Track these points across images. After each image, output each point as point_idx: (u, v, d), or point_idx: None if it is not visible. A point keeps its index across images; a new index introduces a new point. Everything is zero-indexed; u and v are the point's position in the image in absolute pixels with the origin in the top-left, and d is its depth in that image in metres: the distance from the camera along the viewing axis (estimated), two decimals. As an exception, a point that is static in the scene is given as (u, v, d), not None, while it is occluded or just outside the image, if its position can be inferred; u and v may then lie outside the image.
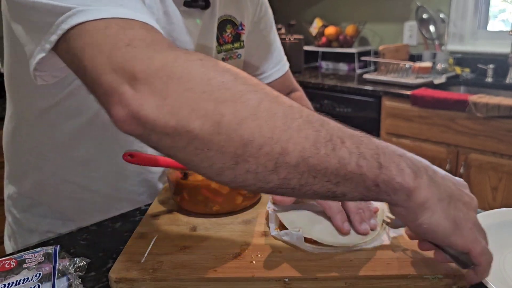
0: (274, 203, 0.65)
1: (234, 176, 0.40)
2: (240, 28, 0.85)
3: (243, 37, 0.86)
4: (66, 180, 0.78)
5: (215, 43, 0.80)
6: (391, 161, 0.43)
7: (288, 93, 0.98)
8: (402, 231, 0.60)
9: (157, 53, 0.41)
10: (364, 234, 0.59)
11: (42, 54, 0.48)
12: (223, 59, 0.83)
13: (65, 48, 0.45)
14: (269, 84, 0.90)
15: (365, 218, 0.61)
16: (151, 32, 0.45)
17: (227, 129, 0.39)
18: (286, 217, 0.63)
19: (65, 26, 0.44)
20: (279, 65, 0.95)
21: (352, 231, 0.60)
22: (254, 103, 0.40)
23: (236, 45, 0.85)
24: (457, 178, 0.49)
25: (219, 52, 0.82)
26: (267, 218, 0.66)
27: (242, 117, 0.39)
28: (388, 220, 0.61)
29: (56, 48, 0.46)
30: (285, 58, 0.98)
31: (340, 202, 0.61)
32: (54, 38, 0.45)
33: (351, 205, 0.61)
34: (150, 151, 0.79)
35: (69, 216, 0.81)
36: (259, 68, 0.92)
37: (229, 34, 0.83)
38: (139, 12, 0.46)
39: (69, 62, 0.46)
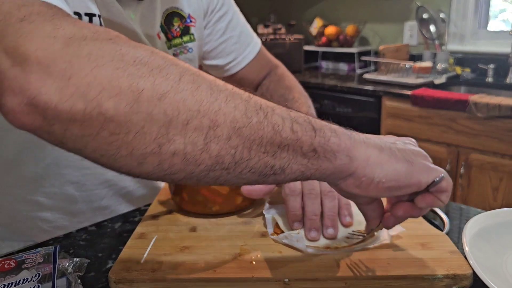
0: (270, 205, 0.65)
1: (158, 162, 0.35)
2: (188, 20, 0.78)
3: (193, 30, 0.79)
4: (22, 199, 0.74)
5: (162, 37, 0.75)
6: (323, 125, 0.41)
7: (268, 71, 0.93)
8: (401, 229, 0.60)
9: (59, 29, 0.35)
10: (329, 238, 0.59)
11: None
12: (174, 55, 0.77)
13: None
14: (245, 66, 0.87)
15: (335, 222, 0.60)
16: (53, 9, 0.37)
17: (147, 106, 0.33)
18: (282, 219, 0.62)
19: None
20: (249, 47, 0.89)
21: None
22: (175, 76, 0.35)
23: (185, 38, 0.78)
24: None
25: (169, 48, 0.76)
26: (264, 222, 0.65)
27: (163, 91, 0.34)
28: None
29: None
30: (255, 38, 0.92)
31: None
32: None
33: (325, 208, 0.60)
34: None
35: (31, 237, 0.76)
36: (229, 55, 0.87)
37: (177, 28, 0.76)
38: None
39: None
